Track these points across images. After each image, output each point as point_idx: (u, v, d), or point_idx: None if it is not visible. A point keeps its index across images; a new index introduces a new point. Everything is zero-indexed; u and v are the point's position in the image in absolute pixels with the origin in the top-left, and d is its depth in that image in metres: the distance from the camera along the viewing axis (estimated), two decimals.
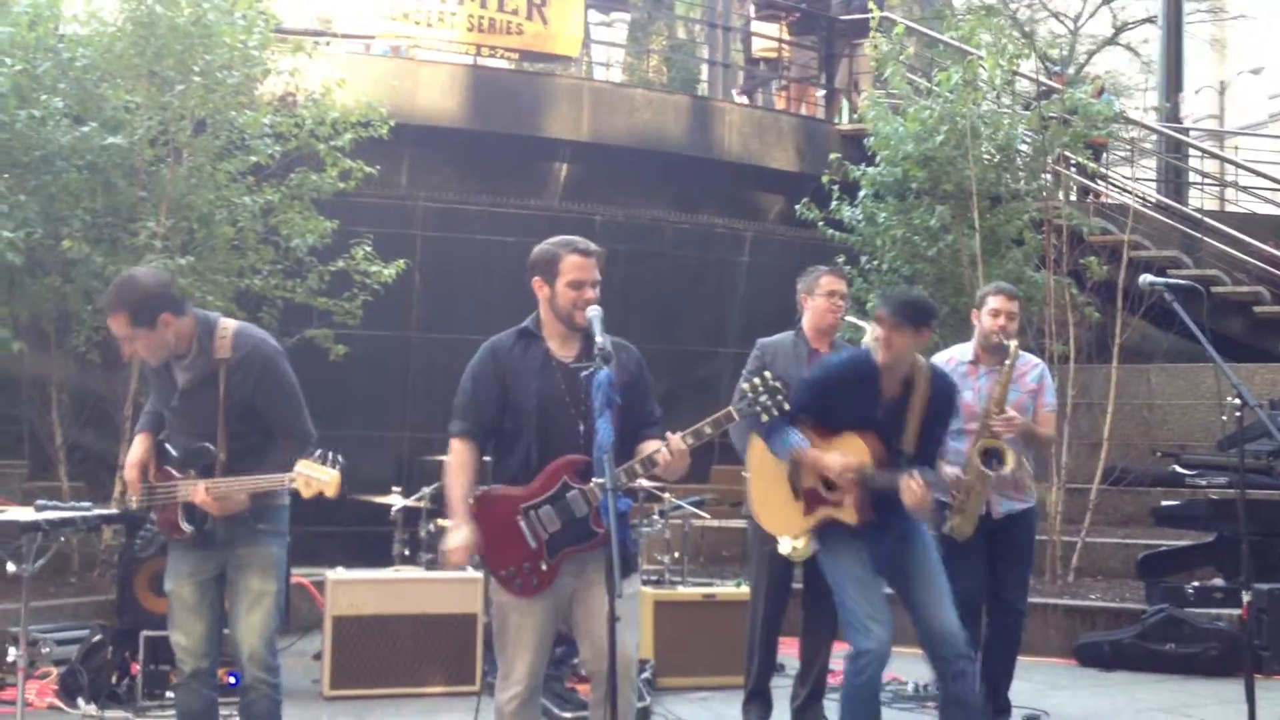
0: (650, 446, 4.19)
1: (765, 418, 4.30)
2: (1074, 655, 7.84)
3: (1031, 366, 6.07)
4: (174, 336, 4.31)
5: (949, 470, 5.74)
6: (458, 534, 4.13)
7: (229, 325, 4.43)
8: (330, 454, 4.28)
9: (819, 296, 5.88)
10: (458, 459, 4.25)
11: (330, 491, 4.19)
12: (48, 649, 6.47)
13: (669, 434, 4.13)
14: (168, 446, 4.48)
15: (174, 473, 4.42)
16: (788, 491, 4.99)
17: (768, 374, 4.22)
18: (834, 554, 5.00)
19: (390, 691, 6.56)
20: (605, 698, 4.02)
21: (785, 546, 5.58)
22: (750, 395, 4.20)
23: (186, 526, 4.38)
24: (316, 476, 4.23)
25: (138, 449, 4.54)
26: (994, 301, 5.91)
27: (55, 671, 6.36)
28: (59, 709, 6.08)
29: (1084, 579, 8.89)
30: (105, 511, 5.59)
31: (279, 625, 4.53)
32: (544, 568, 4.09)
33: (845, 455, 4.85)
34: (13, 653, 5.82)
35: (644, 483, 6.36)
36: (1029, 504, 6.06)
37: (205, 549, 4.44)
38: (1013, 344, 5.81)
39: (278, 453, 4.38)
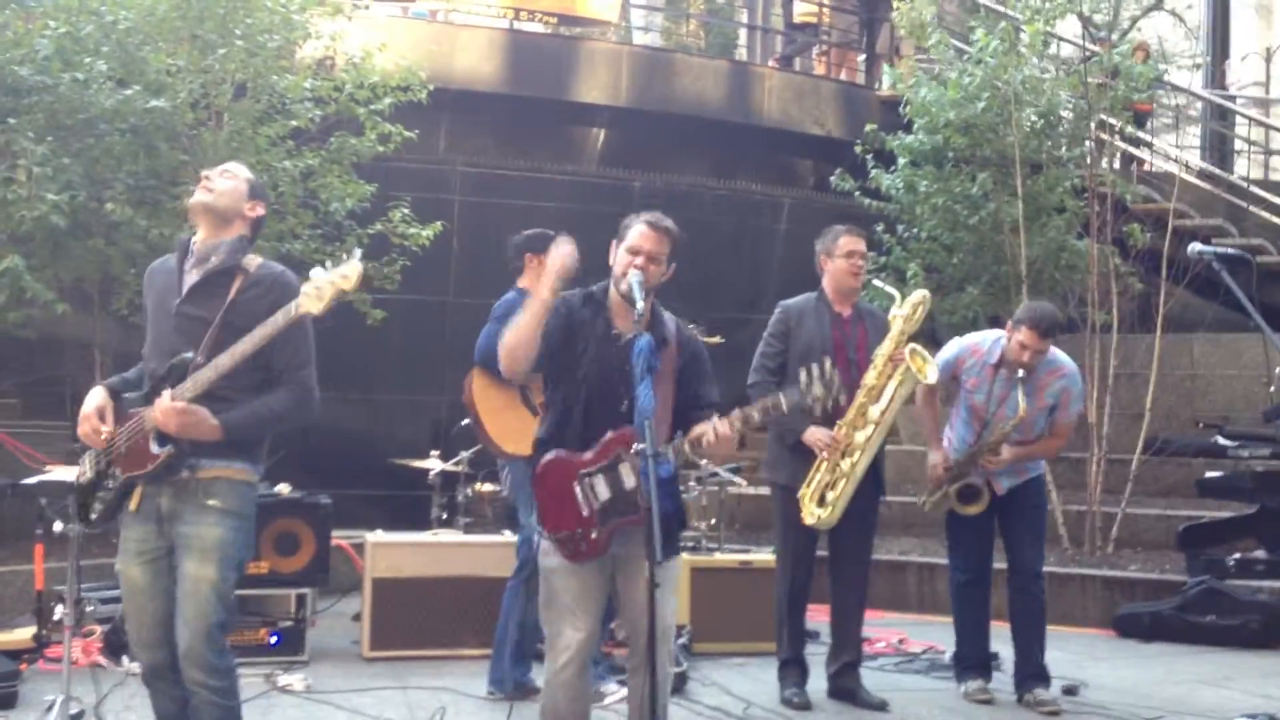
0: (700, 429, 4.19)
1: (818, 411, 4.31)
2: (1113, 626, 7.81)
3: (1057, 376, 5.95)
4: (240, 221, 4.04)
5: (935, 456, 6.01)
6: (556, 249, 4.05)
7: (259, 257, 4.09)
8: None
9: (838, 258, 5.84)
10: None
11: (349, 285, 3.59)
12: (93, 607, 6.55)
13: (717, 421, 4.11)
14: (126, 397, 3.98)
15: (140, 412, 3.89)
16: (521, 416, 5.21)
17: (828, 363, 4.21)
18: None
19: (429, 653, 6.61)
20: (642, 664, 4.05)
21: (810, 517, 5.60)
22: (804, 386, 4.21)
23: (156, 448, 3.82)
24: (327, 280, 3.60)
25: (94, 397, 3.96)
26: (1026, 337, 5.72)
27: (100, 629, 6.45)
28: (103, 666, 6.16)
29: (1123, 550, 8.84)
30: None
31: (221, 619, 3.87)
32: (594, 536, 4.10)
33: None
34: (59, 611, 5.91)
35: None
36: (1035, 473, 6.10)
37: (151, 522, 3.91)
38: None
39: (272, 395, 3.88)
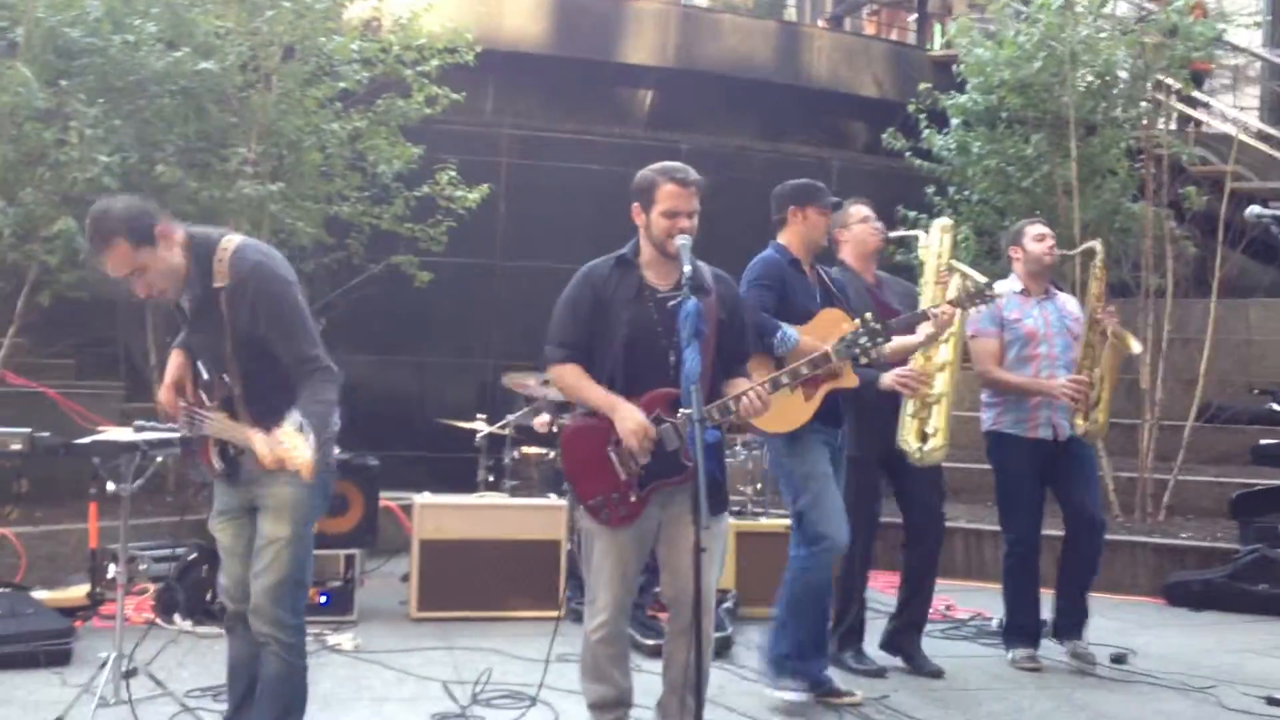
0: (739, 385, 4.19)
1: (864, 360, 4.30)
2: (1163, 594, 7.74)
3: (1067, 298, 6.30)
4: (180, 253, 3.84)
5: (1059, 381, 5.88)
6: (629, 413, 4.03)
7: (229, 244, 3.88)
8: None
9: (855, 225, 5.82)
10: (573, 373, 4.17)
11: (304, 473, 3.57)
12: (145, 566, 6.65)
13: (751, 384, 4.14)
14: (200, 366, 4.05)
15: (205, 398, 3.99)
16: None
17: (869, 315, 4.19)
18: (806, 450, 5.06)
19: (475, 614, 6.65)
20: (685, 629, 4.07)
21: (916, 454, 5.58)
22: (850, 336, 4.18)
23: (218, 464, 3.98)
24: (289, 447, 3.58)
25: (172, 367, 4.08)
26: (1036, 229, 6.13)
27: (152, 588, 6.53)
28: (156, 624, 6.24)
29: (1175, 517, 8.75)
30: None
31: (295, 576, 3.95)
32: (633, 499, 4.10)
33: (831, 332, 4.85)
34: (112, 569, 6.00)
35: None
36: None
37: (233, 484, 4.02)
38: (1095, 243, 6.12)
39: (309, 389, 3.85)
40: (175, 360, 4.10)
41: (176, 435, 4.29)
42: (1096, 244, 6.12)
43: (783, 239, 5.27)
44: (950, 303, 5.27)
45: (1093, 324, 5.99)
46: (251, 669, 4.10)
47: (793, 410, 4.94)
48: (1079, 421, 5.92)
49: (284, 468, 3.62)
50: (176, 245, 3.85)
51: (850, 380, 4.94)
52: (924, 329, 5.32)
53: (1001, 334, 6.02)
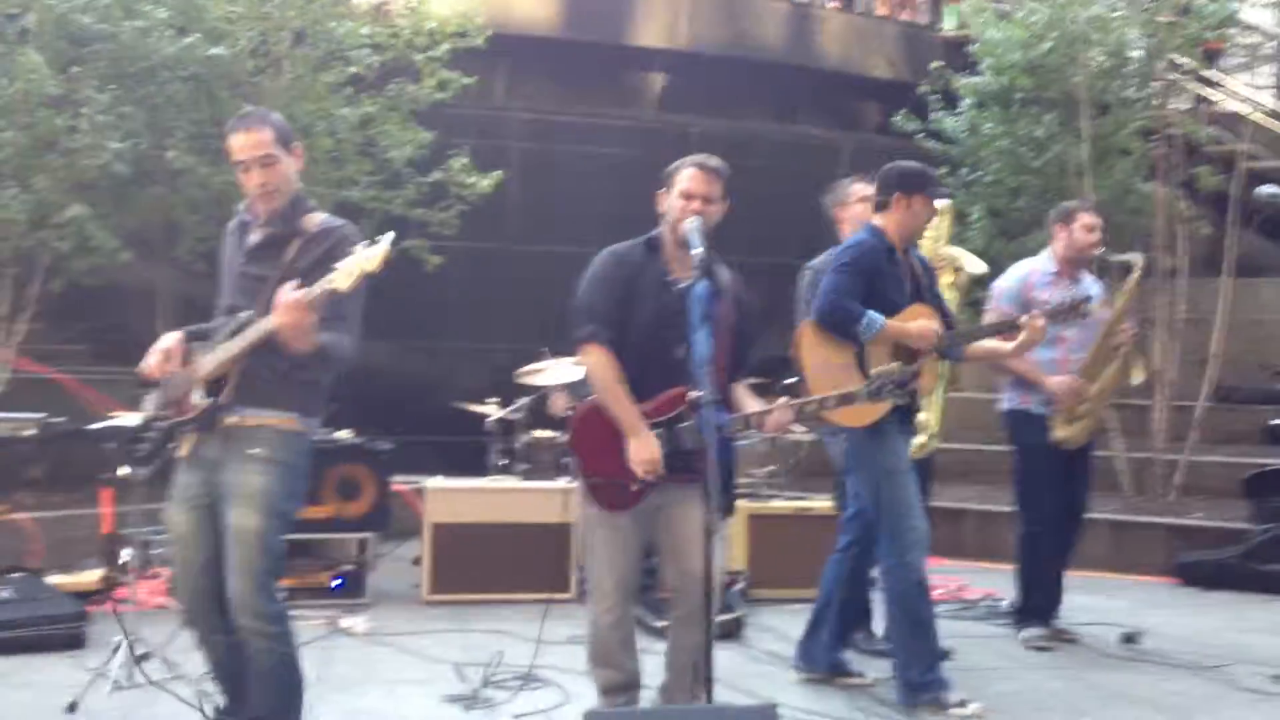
0: (742, 396, 4.26)
1: (891, 404, 4.31)
2: (1176, 574, 7.73)
3: (1093, 280, 6.25)
4: (292, 179, 4.01)
5: (1058, 380, 5.90)
6: (645, 440, 4.03)
7: (321, 214, 4.07)
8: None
9: (854, 204, 5.74)
10: (605, 367, 4.13)
11: (372, 265, 3.59)
12: (159, 550, 6.68)
13: (778, 403, 4.19)
14: (197, 344, 4.01)
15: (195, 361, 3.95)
16: (851, 379, 4.73)
17: (897, 365, 4.21)
18: (890, 443, 4.89)
19: (487, 597, 6.68)
20: (687, 614, 4.09)
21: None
22: (878, 381, 4.20)
23: (197, 398, 3.88)
24: (356, 261, 3.62)
25: (167, 338, 4.02)
26: (1087, 218, 6.08)
27: (165, 572, 6.57)
28: (169, 608, 6.27)
29: (1187, 497, 8.73)
30: None
31: (268, 566, 3.86)
32: (634, 488, 4.10)
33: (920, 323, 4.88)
34: (126, 554, 6.04)
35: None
36: None
37: (200, 470, 3.93)
38: (1137, 258, 6.06)
39: (310, 371, 3.88)
40: (172, 336, 4.04)
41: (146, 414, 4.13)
42: (1139, 259, 6.05)
43: (881, 222, 5.02)
44: (1047, 314, 5.10)
45: (1108, 337, 5.95)
46: (232, 662, 4.02)
47: (865, 405, 4.74)
48: (1060, 427, 5.91)
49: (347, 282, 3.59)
50: (295, 171, 4.04)
51: (929, 381, 4.91)
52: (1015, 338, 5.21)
53: (1020, 314, 6.00)
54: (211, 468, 3.92)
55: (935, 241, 5.80)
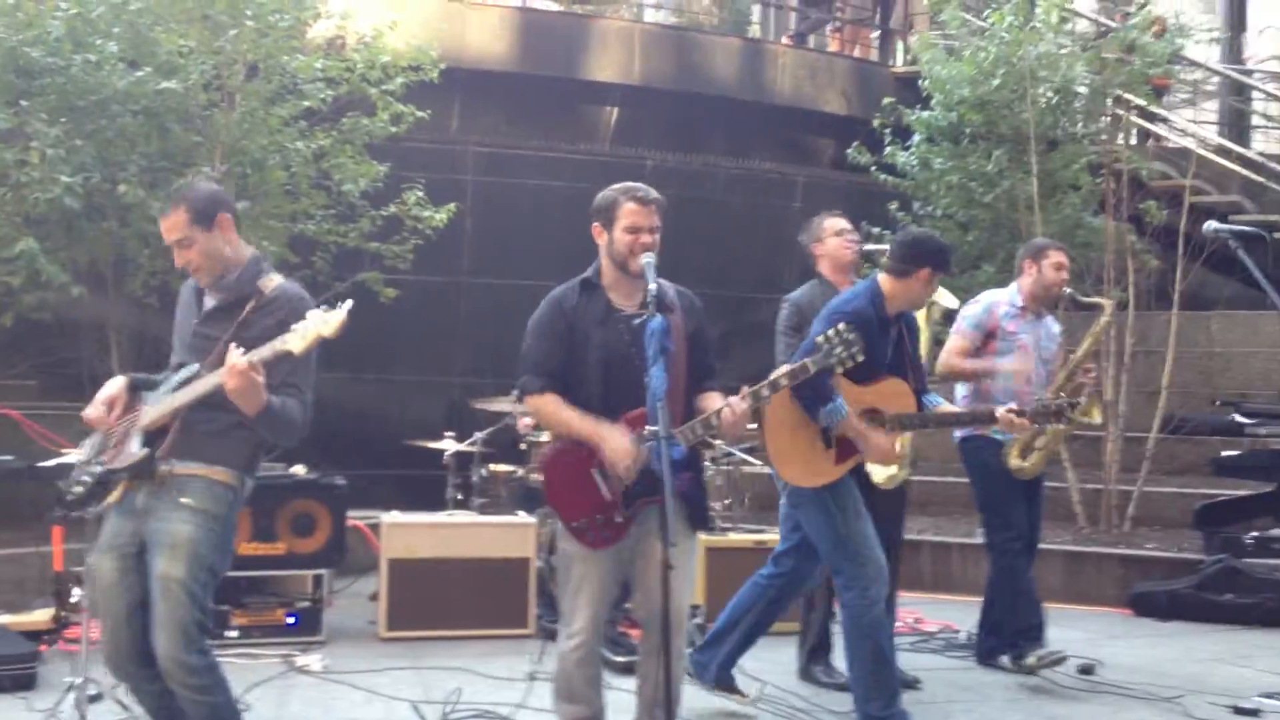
0: (710, 401, 4.21)
1: (840, 369, 4.31)
2: (1130, 605, 7.79)
3: (1052, 319, 6.34)
4: (229, 249, 3.99)
5: (1005, 412, 5.79)
6: (615, 437, 4.01)
7: (278, 277, 4.06)
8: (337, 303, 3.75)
9: (829, 239, 5.82)
10: (550, 405, 4.15)
11: (329, 331, 3.63)
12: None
13: (730, 398, 4.12)
14: (142, 392, 4.04)
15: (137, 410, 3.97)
16: (811, 441, 4.88)
17: (842, 325, 4.22)
18: (843, 497, 4.95)
19: (445, 634, 6.62)
20: (657, 647, 4.05)
21: (880, 475, 5.58)
22: (826, 346, 4.20)
23: (135, 448, 3.86)
24: (313, 325, 3.66)
25: (111, 385, 4.05)
26: (1057, 256, 6.13)
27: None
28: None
29: (1140, 528, 8.81)
30: None
31: (195, 619, 3.80)
32: (618, 520, 4.10)
33: (890, 403, 4.95)
34: (77, 593, 5.93)
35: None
36: None
37: (127, 517, 3.90)
38: (1108, 303, 6.23)
39: (290, 402, 3.87)
40: (117, 383, 4.06)
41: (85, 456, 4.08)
42: (1108, 304, 6.13)
43: (889, 289, 5.06)
44: (1028, 417, 5.12)
45: (1069, 378, 5.99)
46: (167, 709, 3.97)
47: (820, 468, 4.91)
48: (1014, 459, 5.95)
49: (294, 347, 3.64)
50: (233, 241, 4.02)
51: (873, 457, 4.96)
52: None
53: (981, 340, 6.05)
54: (141, 516, 3.89)
55: None
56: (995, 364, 6.01)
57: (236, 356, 3.67)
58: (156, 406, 3.91)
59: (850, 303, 5.00)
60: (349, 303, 3.69)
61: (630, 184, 4.24)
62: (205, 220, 3.96)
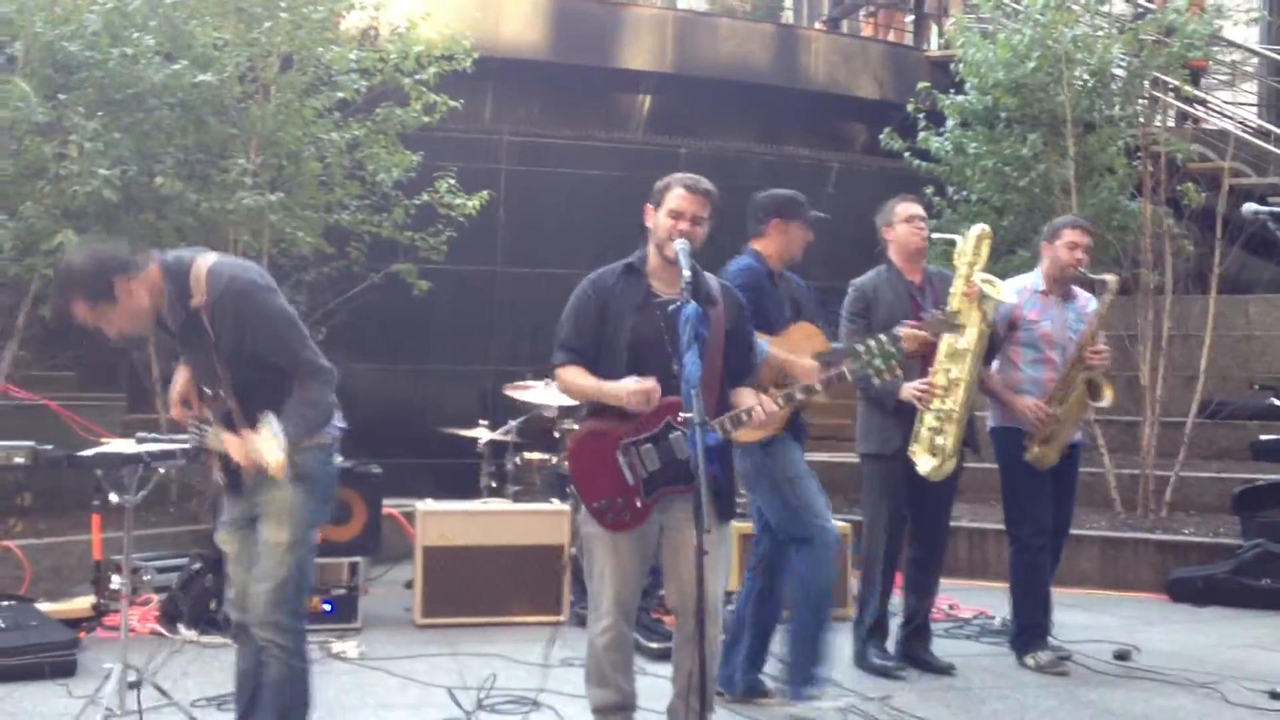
0: (743, 398, 4.24)
1: (877, 381, 4.33)
2: (1166, 590, 7.75)
3: (1088, 298, 6.22)
4: (145, 295, 3.91)
5: (1027, 400, 5.90)
6: (623, 383, 4.07)
7: (203, 265, 3.93)
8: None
9: (899, 224, 5.85)
10: (574, 375, 4.22)
11: (275, 473, 3.77)
12: (149, 576, 6.66)
13: (762, 396, 4.18)
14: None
15: (208, 413, 4.10)
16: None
17: (884, 337, 4.24)
18: (787, 453, 5.04)
19: (479, 620, 6.66)
20: (692, 635, 4.06)
21: (925, 465, 5.59)
22: (865, 356, 4.21)
23: (219, 477, 4.10)
24: (259, 448, 3.80)
25: (178, 382, 4.19)
26: (1071, 235, 6.04)
27: (156, 598, 6.55)
28: (160, 634, 6.26)
29: (1177, 514, 8.75)
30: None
31: (293, 580, 4.02)
32: (638, 504, 4.13)
33: (802, 346, 4.98)
34: (116, 580, 6.01)
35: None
36: (1080, 438, 6.24)
37: (238, 493, 4.11)
38: (1112, 279, 5.94)
39: (300, 391, 3.96)
40: (181, 375, 4.19)
41: (185, 447, 4.44)
42: (1113, 280, 5.98)
43: (760, 247, 5.26)
44: (921, 327, 5.14)
45: (1077, 362, 5.91)
46: (257, 676, 4.14)
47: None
48: (1032, 449, 5.91)
49: (261, 470, 3.79)
50: (142, 287, 3.90)
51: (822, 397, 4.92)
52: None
53: (1005, 330, 6.02)
54: (249, 492, 4.07)
55: (970, 267, 5.75)
56: (1011, 397, 5.96)
57: (235, 450, 3.88)
58: (218, 437, 3.98)
59: (739, 269, 5.10)
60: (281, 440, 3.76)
61: (692, 175, 4.28)
62: (104, 295, 3.85)
